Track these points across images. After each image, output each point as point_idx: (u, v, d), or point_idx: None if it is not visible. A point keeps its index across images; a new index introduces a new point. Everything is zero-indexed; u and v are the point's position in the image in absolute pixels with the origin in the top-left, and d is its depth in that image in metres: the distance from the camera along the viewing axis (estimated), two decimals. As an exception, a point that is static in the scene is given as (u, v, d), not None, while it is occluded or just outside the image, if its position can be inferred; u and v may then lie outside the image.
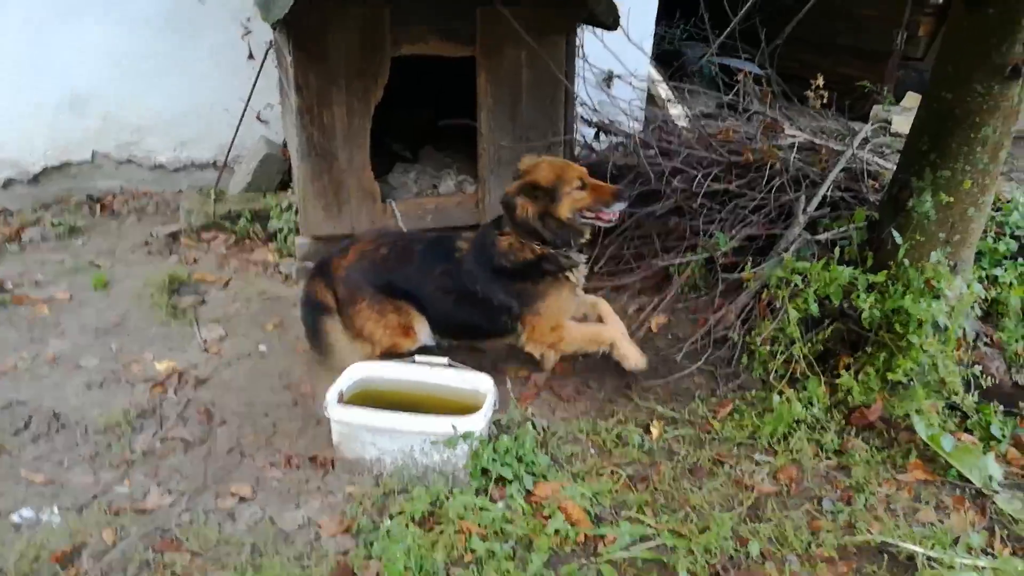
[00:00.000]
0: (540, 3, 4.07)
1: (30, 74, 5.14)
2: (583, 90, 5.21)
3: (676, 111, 5.76)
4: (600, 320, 3.58)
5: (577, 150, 5.11)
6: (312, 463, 2.97)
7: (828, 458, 3.05)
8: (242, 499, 2.79)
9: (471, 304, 3.37)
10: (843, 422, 3.19)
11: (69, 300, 4.11)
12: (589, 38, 5.16)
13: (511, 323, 3.40)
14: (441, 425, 2.78)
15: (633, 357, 3.40)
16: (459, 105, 4.48)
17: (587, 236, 3.46)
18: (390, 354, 3.36)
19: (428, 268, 3.42)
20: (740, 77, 5.15)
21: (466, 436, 2.76)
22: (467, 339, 3.57)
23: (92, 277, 4.28)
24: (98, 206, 5.36)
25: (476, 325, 3.45)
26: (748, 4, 5.92)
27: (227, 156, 5.40)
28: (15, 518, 2.64)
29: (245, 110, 5.30)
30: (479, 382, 3.07)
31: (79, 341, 3.73)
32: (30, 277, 4.31)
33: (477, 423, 2.79)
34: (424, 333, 3.46)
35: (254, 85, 5.18)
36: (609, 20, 4.03)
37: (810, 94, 4.77)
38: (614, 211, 3.36)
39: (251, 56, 5.24)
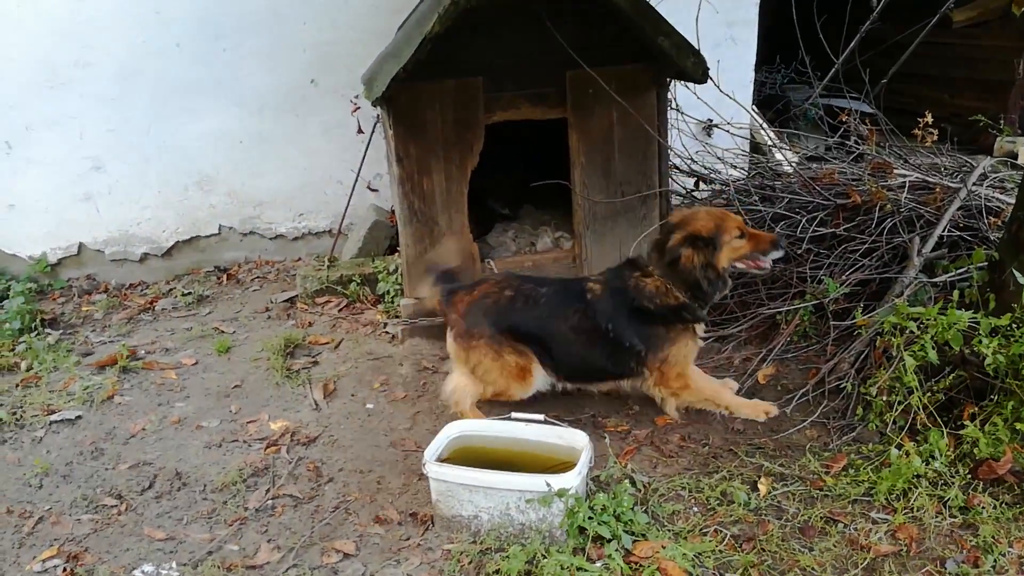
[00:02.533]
0: (628, 62, 4.13)
1: (160, 160, 5.63)
2: (678, 141, 5.20)
3: (779, 156, 5.65)
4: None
5: (675, 201, 5.08)
6: (413, 519, 3.02)
7: (952, 516, 2.82)
8: (346, 555, 2.85)
9: (600, 345, 3.44)
10: (968, 476, 2.95)
11: (194, 365, 4.38)
12: (687, 89, 5.17)
13: (637, 367, 3.47)
14: (535, 482, 2.76)
15: (753, 411, 3.54)
16: (554, 162, 4.56)
17: (729, 288, 3.53)
18: (500, 399, 3.42)
19: (558, 310, 3.47)
20: (844, 118, 5.00)
21: (560, 493, 2.73)
22: (587, 381, 3.62)
23: (216, 343, 4.56)
24: (224, 275, 5.75)
25: (601, 367, 3.51)
26: (852, 45, 5.75)
27: (341, 224, 5.70)
28: (137, 574, 2.80)
29: (356, 181, 5.58)
30: (575, 439, 3.04)
31: (202, 404, 3.97)
32: (161, 344, 4.65)
33: (571, 480, 2.76)
34: (540, 379, 3.51)
35: (363, 157, 5.46)
36: (698, 74, 4.02)
37: (918, 131, 4.57)
38: (770, 259, 3.43)
39: (360, 131, 5.54)
